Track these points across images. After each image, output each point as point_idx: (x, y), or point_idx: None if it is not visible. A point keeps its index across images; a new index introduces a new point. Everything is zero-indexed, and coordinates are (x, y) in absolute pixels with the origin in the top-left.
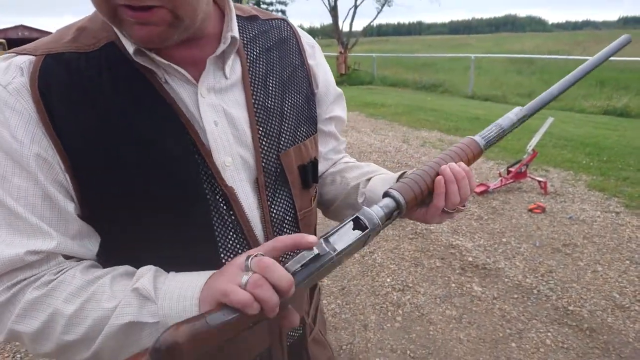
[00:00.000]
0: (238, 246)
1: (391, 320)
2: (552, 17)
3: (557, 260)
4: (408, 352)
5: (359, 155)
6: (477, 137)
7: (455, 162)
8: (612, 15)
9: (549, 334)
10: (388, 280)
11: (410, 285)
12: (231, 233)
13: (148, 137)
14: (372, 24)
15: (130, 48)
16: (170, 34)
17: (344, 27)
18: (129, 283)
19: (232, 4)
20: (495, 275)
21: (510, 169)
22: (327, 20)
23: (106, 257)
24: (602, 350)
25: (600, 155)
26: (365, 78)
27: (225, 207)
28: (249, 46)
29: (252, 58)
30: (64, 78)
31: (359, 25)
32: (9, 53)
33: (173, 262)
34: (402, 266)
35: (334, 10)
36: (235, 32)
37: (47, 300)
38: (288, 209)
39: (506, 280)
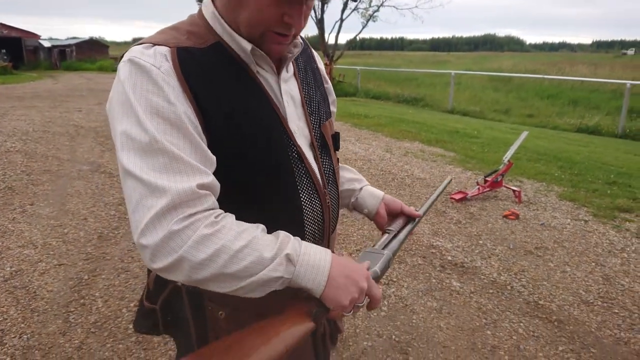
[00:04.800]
0: (310, 190)
1: (377, 310)
2: (530, 37)
3: (529, 261)
4: (393, 337)
5: (345, 162)
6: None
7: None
8: (587, 39)
9: (521, 324)
10: None
11: (395, 279)
12: (304, 179)
13: (251, 107)
14: (356, 37)
15: (247, 47)
16: (289, 47)
17: (330, 39)
18: (277, 240)
19: None
20: (473, 273)
21: (487, 178)
22: (314, 31)
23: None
24: (568, 338)
25: (572, 169)
26: (350, 90)
27: (298, 159)
28: None
29: (296, 59)
30: (195, 64)
31: (343, 39)
32: (142, 43)
33: (266, 205)
34: None
35: (320, 23)
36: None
37: (216, 239)
38: (330, 164)
39: (482, 277)
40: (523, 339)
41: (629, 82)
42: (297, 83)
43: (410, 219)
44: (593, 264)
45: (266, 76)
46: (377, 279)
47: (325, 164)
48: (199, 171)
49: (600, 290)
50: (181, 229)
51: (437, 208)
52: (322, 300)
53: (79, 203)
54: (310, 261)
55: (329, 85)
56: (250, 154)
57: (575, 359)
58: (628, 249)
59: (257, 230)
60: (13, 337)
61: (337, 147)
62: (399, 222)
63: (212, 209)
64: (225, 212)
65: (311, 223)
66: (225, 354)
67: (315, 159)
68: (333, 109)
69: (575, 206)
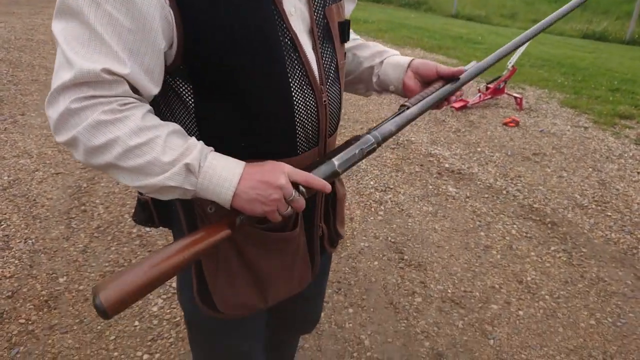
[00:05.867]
0: (303, 83)
1: (374, 214)
2: None
3: (526, 167)
4: (389, 238)
5: None
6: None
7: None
8: None
9: (515, 226)
10: (371, 183)
11: (392, 187)
12: (297, 71)
13: None
14: None
15: None
16: None
17: None
18: (182, 145)
19: None
20: (469, 179)
21: (489, 85)
22: None
23: (197, 106)
24: (560, 239)
25: (575, 75)
26: None
27: (292, 48)
28: None
29: None
30: None
31: None
32: None
33: (253, 99)
34: (384, 171)
35: None
36: None
37: (112, 128)
38: (333, 58)
39: (478, 183)
40: (516, 240)
41: None
42: None
43: (448, 80)
44: (590, 169)
45: None
46: (334, 172)
47: (327, 56)
48: (115, 58)
49: (595, 194)
50: (78, 109)
51: (436, 117)
52: (237, 210)
53: None
54: (215, 175)
55: None
56: (235, 36)
57: (566, 257)
58: (625, 155)
59: (163, 129)
60: (18, 242)
61: (344, 39)
62: (428, 90)
63: (120, 96)
64: (206, 104)
65: (303, 121)
66: (135, 266)
67: (313, 49)
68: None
69: (576, 113)
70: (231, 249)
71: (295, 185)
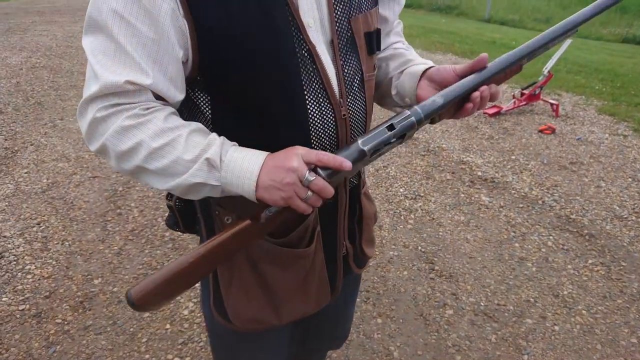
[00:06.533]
0: (320, 97)
1: (404, 222)
2: None
3: (562, 176)
4: (419, 248)
5: None
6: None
7: (492, 82)
8: None
9: (551, 237)
10: (401, 190)
11: (422, 194)
12: (314, 83)
13: None
14: None
15: None
16: None
17: None
18: (203, 142)
19: None
20: (503, 188)
21: (524, 91)
22: None
23: (214, 117)
24: (598, 252)
25: (614, 82)
26: None
27: (309, 60)
28: None
29: None
30: None
31: None
32: None
33: (268, 113)
34: (414, 179)
35: None
36: None
37: (136, 131)
38: (357, 70)
39: (513, 192)
40: (552, 252)
41: None
42: None
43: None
44: (629, 179)
45: None
46: (361, 154)
47: (349, 68)
48: (138, 69)
49: (636, 205)
50: (105, 116)
51: (468, 123)
52: (262, 202)
53: None
54: (237, 167)
55: None
56: (248, 48)
57: (604, 271)
58: None
59: (184, 129)
60: (56, 244)
61: (372, 50)
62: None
63: (143, 102)
64: (223, 116)
65: (320, 136)
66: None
67: (333, 61)
68: (399, 1)
69: (615, 120)
70: (246, 263)
71: (314, 168)
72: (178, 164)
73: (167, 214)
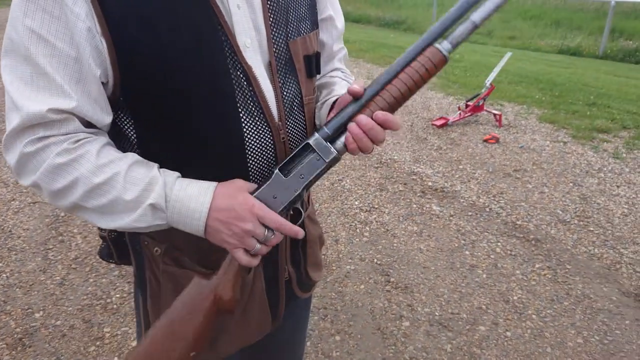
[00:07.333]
0: (258, 120)
1: (359, 235)
2: None
3: (507, 184)
4: (375, 260)
5: None
6: (440, 45)
7: (404, 88)
8: None
9: (499, 243)
10: (356, 203)
11: (376, 206)
12: (251, 106)
13: (179, 10)
14: None
15: None
16: None
17: None
18: (144, 180)
19: None
20: (452, 197)
21: (468, 102)
22: None
23: (139, 142)
24: (544, 256)
25: (553, 91)
26: None
27: (245, 82)
28: None
29: None
30: None
31: None
32: None
33: (200, 137)
34: (368, 191)
35: None
36: None
37: (70, 169)
38: (296, 93)
39: (462, 200)
40: (501, 258)
41: (613, 0)
42: None
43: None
44: (571, 184)
45: None
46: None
47: (288, 91)
48: (61, 93)
49: (577, 209)
50: (33, 152)
51: (418, 135)
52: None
53: None
54: (184, 207)
55: None
56: (174, 70)
57: (551, 275)
58: (605, 169)
59: (121, 164)
60: None
61: (311, 73)
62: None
63: (71, 133)
64: (149, 140)
65: (258, 161)
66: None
67: (272, 82)
68: (337, 25)
69: (555, 128)
70: (174, 294)
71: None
72: (117, 203)
73: (100, 245)
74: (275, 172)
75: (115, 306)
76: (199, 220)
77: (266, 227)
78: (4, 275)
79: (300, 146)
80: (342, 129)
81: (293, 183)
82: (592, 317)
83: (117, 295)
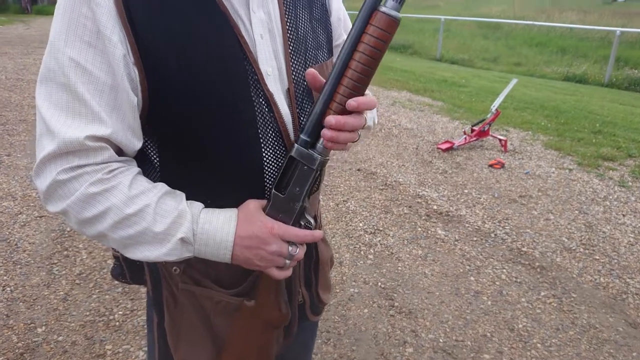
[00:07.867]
0: (276, 145)
1: (364, 258)
2: None
3: (513, 209)
4: (379, 283)
5: None
6: (385, 7)
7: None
8: None
9: (504, 270)
10: (361, 224)
11: (381, 229)
12: (270, 132)
13: (208, 41)
14: None
15: None
16: None
17: None
18: (173, 213)
19: None
20: (457, 221)
21: (474, 127)
22: None
23: (162, 165)
24: (550, 284)
25: (558, 118)
26: None
27: (266, 109)
28: None
29: None
30: None
31: None
32: None
33: (221, 161)
34: (373, 213)
35: None
36: None
37: (102, 199)
38: None
39: (467, 225)
40: (506, 285)
41: (618, 30)
42: (281, 15)
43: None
44: (576, 211)
45: (233, 1)
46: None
47: (305, 114)
48: (97, 120)
49: (583, 237)
50: (66, 180)
51: (423, 158)
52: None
53: None
54: (210, 239)
55: (340, 21)
56: (203, 99)
57: (556, 303)
58: (610, 197)
59: (152, 195)
60: None
61: None
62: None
63: (106, 162)
64: (171, 165)
65: (274, 183)
66: None
67: (289, 107)
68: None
69: (561, 155)
70: (196, 316)
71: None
72: (145, 235)
73: (112, 264)
74: (273, 192)
75: (117, 323)
76: (225, 249)
77: (288, 242)
78: (8, 289)
79: (285, 161)
80: (317, 130)
81: (292, 198)
82: (598, 348)
83: (120, 312)
